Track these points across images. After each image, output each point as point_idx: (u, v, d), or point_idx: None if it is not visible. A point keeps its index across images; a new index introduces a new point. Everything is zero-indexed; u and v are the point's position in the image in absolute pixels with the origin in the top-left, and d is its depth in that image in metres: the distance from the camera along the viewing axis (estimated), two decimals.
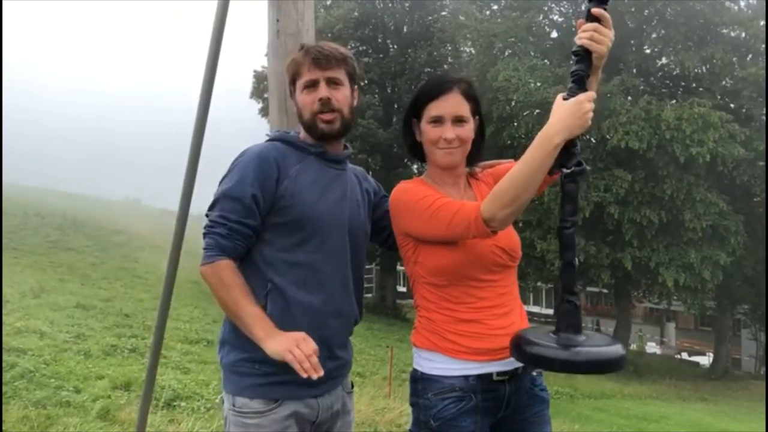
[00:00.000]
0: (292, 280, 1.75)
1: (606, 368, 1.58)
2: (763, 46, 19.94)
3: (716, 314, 24.58)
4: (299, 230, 1.76)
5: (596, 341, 1.61)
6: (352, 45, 26.91)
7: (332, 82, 1.80)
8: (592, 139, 20.99)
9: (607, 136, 19.18)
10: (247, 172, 1.73)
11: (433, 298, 1.84)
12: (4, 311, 9.02)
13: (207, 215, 1.78)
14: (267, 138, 1.89)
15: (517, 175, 1.59)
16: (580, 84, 1.60)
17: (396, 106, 26.06)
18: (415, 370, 1.86)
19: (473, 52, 25.03)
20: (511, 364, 1.79)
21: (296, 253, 1.76)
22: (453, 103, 1.80)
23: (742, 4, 21.68)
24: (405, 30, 26.63)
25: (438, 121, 1.80)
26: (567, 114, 1.57)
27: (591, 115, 1.57)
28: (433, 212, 1.72)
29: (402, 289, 34.07)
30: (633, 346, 27.60)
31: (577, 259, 1.66)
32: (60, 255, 20.19)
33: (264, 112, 25.84)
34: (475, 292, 1.80)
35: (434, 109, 1.80)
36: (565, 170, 1.60)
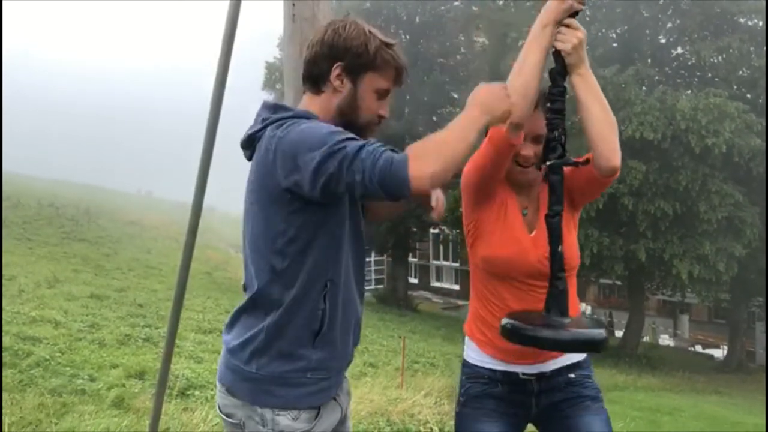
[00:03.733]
0: (340, 273, 1.64)
1: (587, 348, 1.73)
2: None
3: (730, 307, 24.39)
4: (343, 220, 1.63)
5: (580, 324, 1.74)
6: None
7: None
8: None
9: (622, 127, 18.94)
10: (336, 128, 1.51)
11: (479, 286, 1.93)
12: (19, 301, 9.12)
13: (339, 170, 1.44)
14: (289, 112, 1.62)
15: (515, 67, 1.70)
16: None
17: (408, 96, 25.98)
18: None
19: (486, 42, 24.87)
20: (537, 368, 1.87)
21: (342, 243, 1.63)
22: (534, 122, 1.84)
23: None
24: (417, 20, 26.51)
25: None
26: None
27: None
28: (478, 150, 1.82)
29: (414, 280, 34.10)
30: (646, 339, 27.46)
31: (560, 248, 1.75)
32: (74, 246, 20.36)
33: (279, 96, 25.83)
34: (516, 292, 1.86)
35: None
36: (546, 162, 1.72)
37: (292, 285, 1.57)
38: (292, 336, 1.59)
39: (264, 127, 1.60)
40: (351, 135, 1.48)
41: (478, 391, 1.90)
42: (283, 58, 2.14)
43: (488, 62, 21.71)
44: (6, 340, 6.19)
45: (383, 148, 1.43)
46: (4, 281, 10.55)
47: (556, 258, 1.72)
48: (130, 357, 6.67)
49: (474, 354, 1.95)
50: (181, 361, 6.59)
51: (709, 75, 21.70)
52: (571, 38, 1.71)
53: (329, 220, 1.58)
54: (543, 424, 1.94)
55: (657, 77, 20.86)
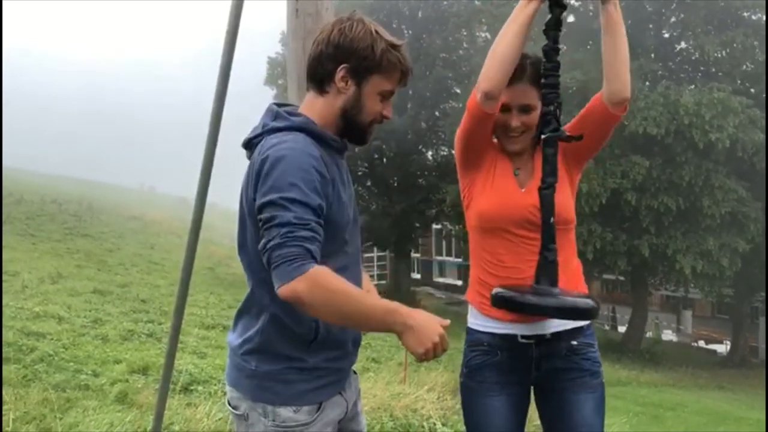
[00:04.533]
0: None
1: (573, 315, 1.78)
2: None
3: (734, 302, 24.35)
4: (339, 234, 1.62)
5: (570, 294, 1.79)
6: None
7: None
8: None
9: (625, 122, 18.93)
10: (308, 176, 1.49)
11: (476, 249, 1.98)
12: (23, 297, 9.16)
13: (268, 225, 1.45)
14: (286, 122, 1.61)
15: (498, 36, 1.77)
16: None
17: (411, 91, 25.93)
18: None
19: (489, 37, 24.77)
20: (534, 329, 1.89)
21: (337, 259, 1.60)
22: (520, 93, 1.91)
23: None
24: (419, 15, 26.44)
25: (506, 108, 1.91)
26: None
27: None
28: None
29: (416, 275, 34.10)
30: (649, 334, 27.43)
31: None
32: (77, 241, 20.40)
33: (278, 98, 25.84)
34: (510, 246, 1.89)
35: (505, 97, 1.89)
36: (542, 135, 1.77)
37: (275, 295, 1.52)
38: (287, 340, 1.61)
39: (262, 134, 1.61)
40: (307, 199, 1.45)
41: (479, 361, 1.93)
42: (286, 53, 2.14)
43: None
44: (10, 335, 6.22)
45: (303, 244, 1.41)
46: (8, 277, 10.60)
47: (548, 229, 1.75)
48: (134, 352, 6.69)
49: (475, 319, 1.98)
50: (184, 357, 6.61)
51: (713, 70, 21.62)
52: None
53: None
54: (540, 390, 1.97)
55: (660, 72, 20.82)
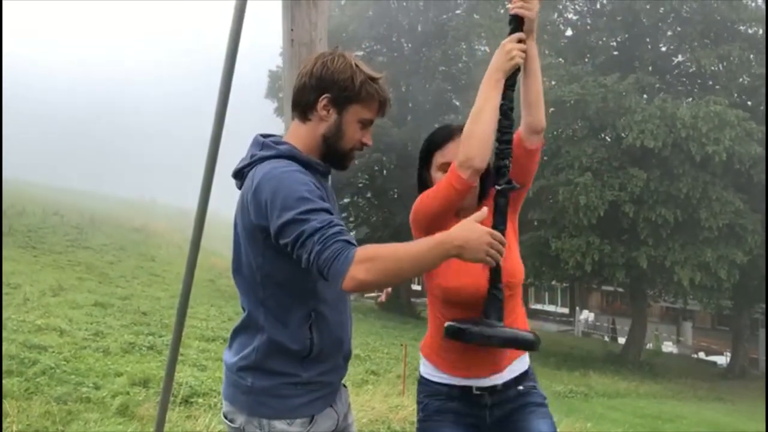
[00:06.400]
0: (329, 304, 1.73)
1: (514, 344, 1.97)
2: None
3: (733, 313, 24.37)
4: None
5: (514, 328, 1.98)
6: (366, 44, 27.01)
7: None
8: (607, 137, 20.91)
9: (622, 135, 19.09)
10: (309, 187, 1.59)
11: (437, 315, 2.06)
12: (24, 309, 9.21)
13: (300, 241, 1.53)
14: (273, 150, 1.71)
15: (473, 114, 1.86)
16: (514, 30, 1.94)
17: (410, 104, 26.09)
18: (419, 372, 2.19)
19: (488, 50, 24.97)
20: (489, 381, 2.05)
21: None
22: (456, 150, 1.95)
23: (759, 0, 21.47)
24: (419, 29, 26.67)
25: (446, 167, 1.97)
26: (497, 56, 1.90)
27: (516, 54, 1.88)
28: (431, 191, 1.97)
29: (416, 287, 34.11)
30: (649, 346, 27.43)
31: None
32: (78, 253, 20.44)
33: (279, 111, 25.99)
34: (467, 313, 1.97)
35: (440, 156, 2.04)
36: (496, 187, 1.91)
37: (272, 314, 1.68)
38: (281, 357, 1.69)
39: (252, 164, 1.72)
40: (320, 205, 1.56)
41: (436, 406, 2.09)
42: (283, 82, 2.24)
43: None
44: (12, 348, 6.27)
45: (338, 239, 1.51)
46: (9, 290, 10.66)
47: (497, 271, 1.89)
48: (134, 365, 6.73)
49: (432, 371, 2.12)
50: (184, 369, 6.67)
51: (710, 83, 21.80)
52: (534, 6, 1.92)
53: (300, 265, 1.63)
54: (497, 428, 2.11)
55: (658, 85, 20.97)
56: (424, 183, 2.09)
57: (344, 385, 1.93)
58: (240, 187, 1.75)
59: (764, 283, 19.73)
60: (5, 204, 22.09)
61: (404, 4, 26.81)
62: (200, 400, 5.46)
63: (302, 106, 1.76)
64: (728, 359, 26.43)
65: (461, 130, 1.95)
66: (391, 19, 26.43)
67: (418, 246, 1.56)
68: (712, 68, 20.72)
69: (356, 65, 1.73)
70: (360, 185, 25.99)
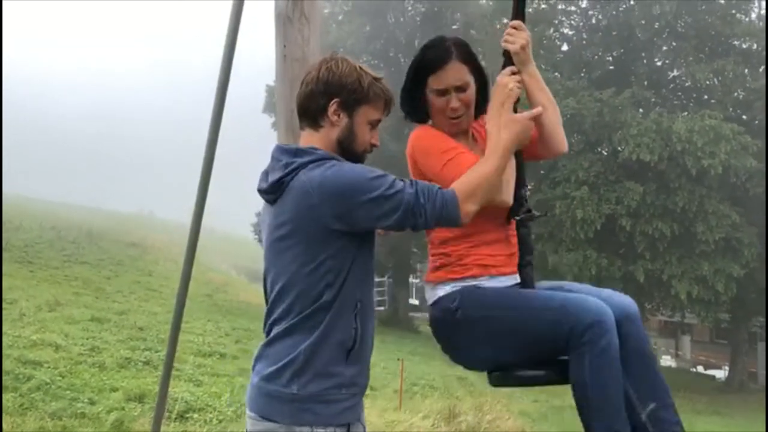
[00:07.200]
0: (368, 293, 1.78)
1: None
2: None
3: (731, 327, 24.33)
4: (373, 248, 1.79)
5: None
6: (364, 59, 27.12)
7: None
8: (604, 151, 20.99)
9: (619, 149, 19.17)
10: (368, 168, 1.70)
11: (452, 234, 1.95)
12: (20, 324, 9.17)
13: (402, 214, 1.65)
14: (313, 155, 1.72)
15: (502, 156, 1.81)
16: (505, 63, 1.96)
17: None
18: (443, 298, 1.97)
19: (484, 64, 25.10)
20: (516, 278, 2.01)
21: (371, 267, 1.79)
22: (453, 74, 1.94)
23: (753, 15, 21.67)
24: (416, 44, 26.76)
25: (442, 93, 1.94)
26: (496, 92, 1.92)
27: (513, 86, 1.90)
28: (449, 160, 1.88)
29: (414, 301, 34.03)
30: None
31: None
32: (75, 268, 20.37)
33: (276, 126, 26.02)
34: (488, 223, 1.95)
35: (436, 82, 1.94)
36: (516, 217, 1.90)
37: (330, 308, 1.70)
38: (328, 355, 1.70)
39: (292, 171, 1.70)
40: (391, 176, 1.67)
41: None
42: (275, 97, 2.26)
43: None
44: (7, 363, 6.25)
45: (434, 190, 1.68)
46: (5, 305, 10.61)
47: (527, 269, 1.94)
48: (130, 380, 6.71)
49: (483, 281, 1.98)
50: (180, 384, 6.64)
51: (705, 97, 21.92)
52: (519, 39, 1.92)
53: (363, 250, 1.74)
54: None
55: (653, 99, 21.11)
56: (417, 106, 2.02)
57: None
58: (274, 201, 1.73)
59: (763, 296, 19.73)
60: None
61: (401, 19, 26.97)
62: (195, 416, 5.45)
63: (312, 113, 1.77)
64: (727, 373, 26.34)
65: (458, 47, 1.96)
66: (389, 34, 26.57)
67: (492, 153, 1.78)
68: (707, 82, 20.86)
69: (360, 67, 1.76)
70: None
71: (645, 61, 22.64)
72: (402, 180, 1.68)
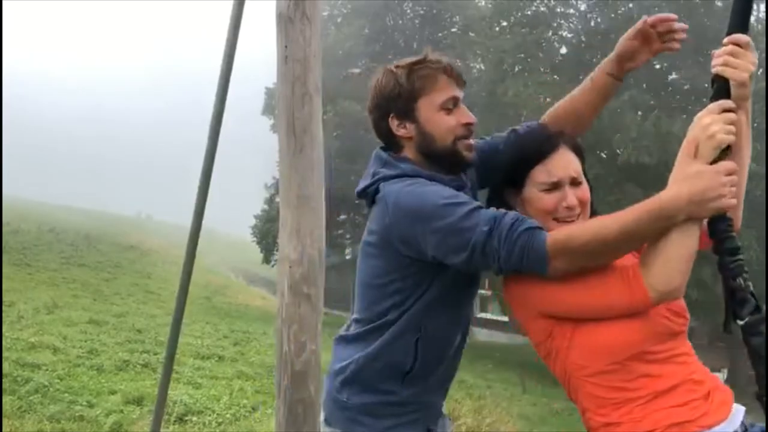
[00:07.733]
0: (440, 321, 1.64)
1: None
2: None
3: (731, 331, 24.33)
4: (458, 277, 1.61)
5: None
6: (363, 62, 27.16)
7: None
8: (603, 154, 21.01)
9: (618, 152, 19.17)
10: (447, 193, 1.52)
11: (602, 392, 1.45)
12: (18, 327, 9.16)
13: (476, 251, 1.42)
14: (397, 170, 1.62)
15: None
16: (717, 95, 1.42)
17: None
18: None
19: (483, 68, 25.14)
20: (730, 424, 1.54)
21: (450, 296, 1.63)
22: (567, 163, 1.54)
23: (753, 19, 21.69)
24: (415, 46, 26.82)
25: (553, 187, 1.52)
26: (693, 132, 1.37)
27: (718, 130, 1.34)
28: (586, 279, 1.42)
29: None
30: None
31: None
32: (73, 271, 20.38)
33: (275, 128, 26.03)
34: (652, 369, 1.45)
35: (545, 173, 1.52)
36: (739, 321, 1.28)
37: (390, 327, 1.62)
38: (381, 372, 1.64)
39: (375, 182, 1.64)
40: (472, 203, 1.47)
41: None
42: (276, 98, 2.23)
43: (485, 88, 21.94)
44: (5, 366, 6.23)
45: (517, 231, 1.39)
46: (4, 307, 10.60)
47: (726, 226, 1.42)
48: (129, 383, 6.69)
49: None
50: (179, 387, 6.62)
51: (704, 100, 21.71)
52: (746, 63, 1.39)
53: (444, 280, 1.59)
54: None
55: (652, 102, 21.10)
56: (505, 205, 1.56)
57: (449, 418, 1.85)
58: (369, 206, 1.70)
59: (762, 299, 19.66)
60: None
61: (400, 22, 27.03)
62: (194, 418, 5.42)
63: (388, 140, 1.70)
64: (726, 376, 26.34)
65: (563, 134, 1.58)
66: (387, 37, 26.62)
67: (625, 219, 1.37)
68: (705, 85, 20.83)
69: (395, 67, 1.67)
70: (356, 202, 25.99)
71: (644, 64, 22.64)
72: (485, 211, 1.44)
